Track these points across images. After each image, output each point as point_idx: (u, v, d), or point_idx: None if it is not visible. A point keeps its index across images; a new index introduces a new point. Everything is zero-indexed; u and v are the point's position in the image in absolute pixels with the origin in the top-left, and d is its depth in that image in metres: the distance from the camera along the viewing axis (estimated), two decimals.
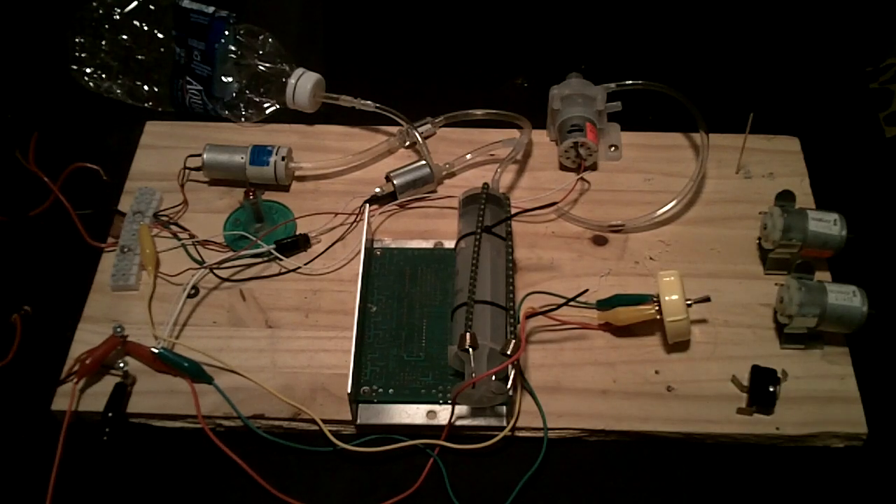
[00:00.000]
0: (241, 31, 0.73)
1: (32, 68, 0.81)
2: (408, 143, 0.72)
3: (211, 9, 0.72)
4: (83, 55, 0.75)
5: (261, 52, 0.73)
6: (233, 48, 0.73)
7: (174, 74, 0.74)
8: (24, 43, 0.83)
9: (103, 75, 0.75)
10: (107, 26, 0.74)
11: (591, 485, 0.56)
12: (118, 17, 0.74)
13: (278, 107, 0.74)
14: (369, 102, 0.71)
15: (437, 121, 0.73)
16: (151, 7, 0.74)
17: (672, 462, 0.57)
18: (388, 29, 0.72)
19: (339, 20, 0.82)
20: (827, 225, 0.62)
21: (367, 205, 0.67)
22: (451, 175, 0.71)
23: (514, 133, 0.72)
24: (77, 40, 0.75)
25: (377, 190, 0.69)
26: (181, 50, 0.73)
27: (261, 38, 0.74)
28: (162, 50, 0.74)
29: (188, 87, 0.74)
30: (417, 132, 0.71)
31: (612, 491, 0.56)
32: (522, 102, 0.74)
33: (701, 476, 0.56)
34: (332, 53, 0.84)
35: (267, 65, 0.73)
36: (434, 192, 0.70)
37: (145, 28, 0.74)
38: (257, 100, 0.74)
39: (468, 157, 0.71)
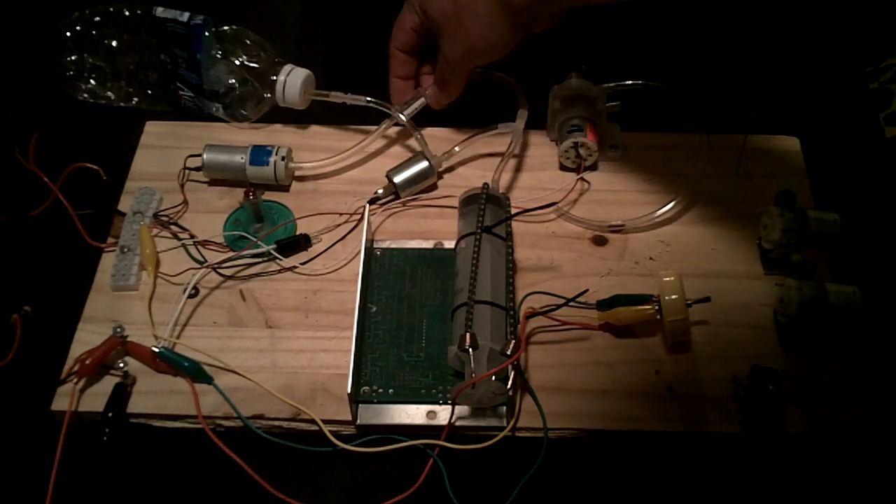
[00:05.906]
0: (225, 32, 0.72)
1: (32, 68, 0.81)
2: (396, 123, 0.71)
3: (185, 16, 0.70)
4: (70, 72, 0.74)
5: (247, 52, 0.72)
6: (216, 52, 0.72)
7: (166, 80, 0.74)
8: (23, 43, 0.83)
9: (95, 87, 0.75)
10: (90, 36, 0.73)
11: (591, 485, 0.56)
12: (97, 30, 0.73)
13: (272, 105, 0.74)
14: (360, 97, 0.71)
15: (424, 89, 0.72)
16: (130, 14, 0.73)
17: (672, 462, 0.57)
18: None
19: (339, 20, 0.82)
20: (827, 225, 0.62)
21: (368, 205, 0.67)
22: (451, 168, 0.71)
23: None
24: (67, 58, 0.74)
25: (379, 191, 0.69)
26: (166, 56, 0.72)
27: (245, 38, 0.72)
28: (149, 55, 0.73)
29: (181, 92, 0.73)
30: (403, 114, 0.70)
31: (612, 491, 0.56)
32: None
33: (701, 476, 0.56)
34: (332, 53, 0.84)
35: (254, 64, 0.72)
36: (435, 186, 0.70)
37: (129, 36, 0.73)
38: (250, 100, 0.74)
39: (464, 144, 0.70)
